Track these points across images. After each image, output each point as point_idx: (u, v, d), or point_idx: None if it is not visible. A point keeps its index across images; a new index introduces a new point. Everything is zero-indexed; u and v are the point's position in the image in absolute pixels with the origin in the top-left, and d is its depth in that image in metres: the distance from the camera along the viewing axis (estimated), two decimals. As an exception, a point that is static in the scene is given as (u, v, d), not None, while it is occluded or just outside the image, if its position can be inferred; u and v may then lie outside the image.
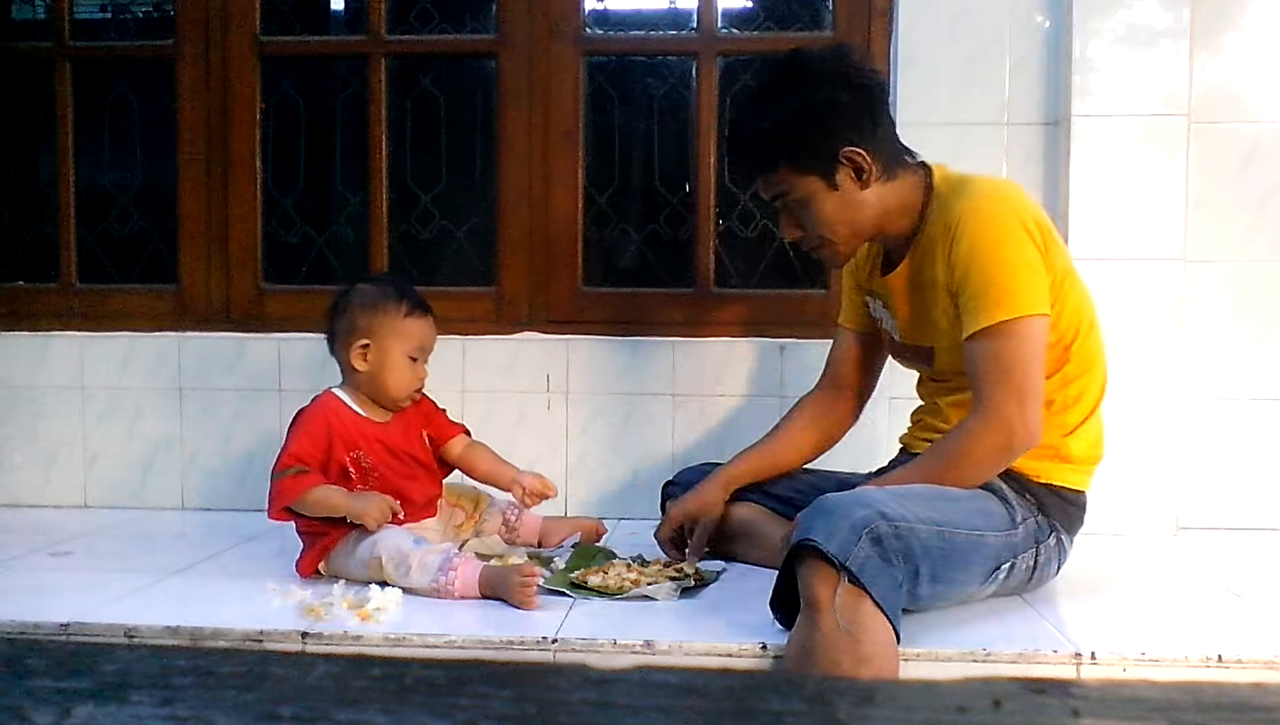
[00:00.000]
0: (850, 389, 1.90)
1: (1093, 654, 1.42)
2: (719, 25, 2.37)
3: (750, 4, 2.53)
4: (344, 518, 1.72)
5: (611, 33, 2.48)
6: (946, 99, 2.23)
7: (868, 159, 1.61)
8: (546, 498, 1.87)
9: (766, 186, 1.68)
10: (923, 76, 2.23)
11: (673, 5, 2.51)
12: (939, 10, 2.23)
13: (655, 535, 1.89)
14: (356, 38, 2.49)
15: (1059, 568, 1.68)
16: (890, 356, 1.87)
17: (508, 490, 1.88)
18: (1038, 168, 2.23)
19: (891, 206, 1.66)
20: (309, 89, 2.58)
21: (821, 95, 1.60)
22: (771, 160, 1.63)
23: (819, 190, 1.62)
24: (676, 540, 1.86)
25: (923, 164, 1.69)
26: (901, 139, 1.70)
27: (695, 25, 2.39)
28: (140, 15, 2.77)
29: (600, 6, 2.50)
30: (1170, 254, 2.14)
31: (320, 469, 1.74)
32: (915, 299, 1.69)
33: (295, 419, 1.80)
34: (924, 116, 2.23)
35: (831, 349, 1.93)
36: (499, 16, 2.38)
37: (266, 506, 1.75)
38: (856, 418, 1.92)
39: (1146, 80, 2.14)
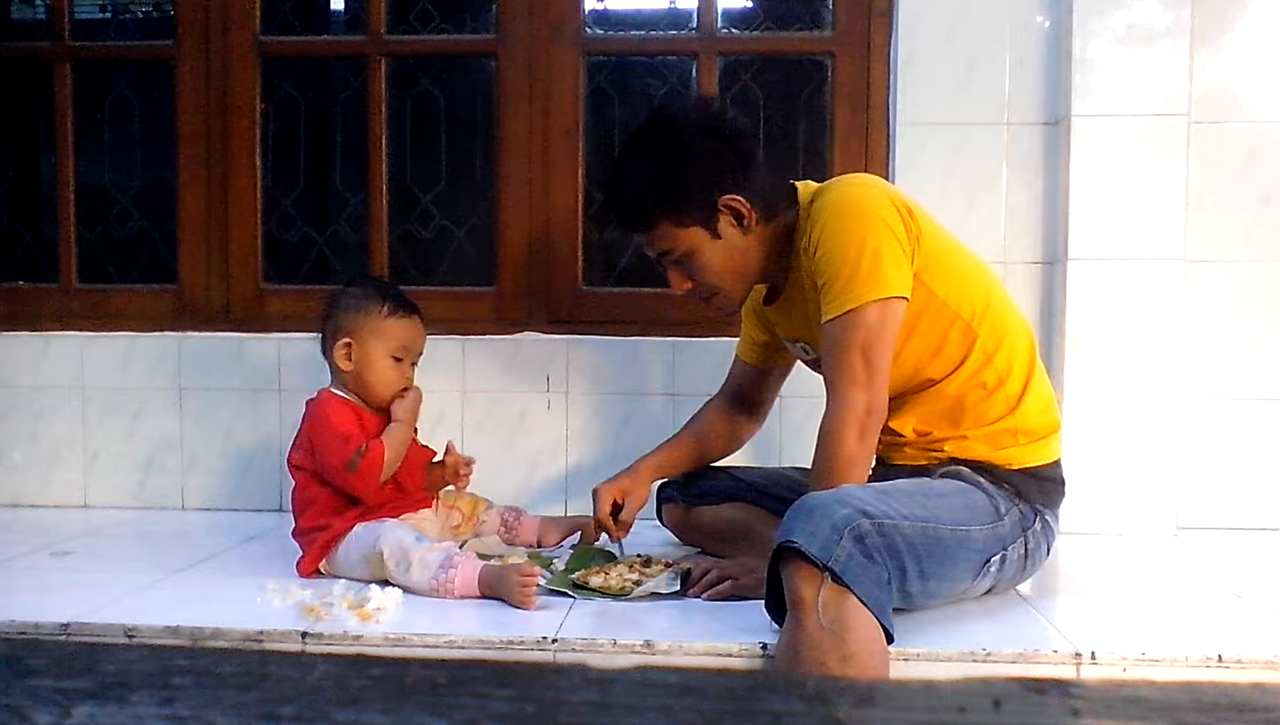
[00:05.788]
0: (746, 406, 1.98)
1: (1093, 654, 1.42)
2: (719, 25, 2.38)
3: (750, 4, 2.53)
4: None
5: (611, 33, 2.48)
6: (946, 99, 2.23)
7: (746, 204, 1.63)
8: (469, 465, 1.91)
9: (651, 244, 1.69)
10: (923, 76, 2.24)
11: (673, 5, 2.51)
12: (939, 10, 2.23)
13: (595, 516, 1.87)
14: (356, 38, 2.49)
15: (1049, 549, 1.68)
16: (812, 371, 1.87)
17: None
18: (1038, 168, 2.23)
19: (774, 247, 1.68)
20: (309, 89, 2.58)
21: (691, 147, 1.62)
22: (652, 217, 1.65)
23: (702, 240, 1.64)
24: (612, 516, 1.87)
25: (792, 191, 1.70)
26: (776, 180, 1.71)
27: (695, 25, 2.39)
28: (140, 15, 2.77)
29: (600, 6, 2.50)
30: (1170, 254, 2.15)
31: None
32: (805, 313, 1.68)
33: (315, 419, 1.80)
34: (924, 116, 2.24)
35: (730, 369, 1.99)
36: (499, 16, 2.39)
37: (360, 493, 1.76)
38: (756, 428, 2.00)
39: (1146, 80, 2.14)
